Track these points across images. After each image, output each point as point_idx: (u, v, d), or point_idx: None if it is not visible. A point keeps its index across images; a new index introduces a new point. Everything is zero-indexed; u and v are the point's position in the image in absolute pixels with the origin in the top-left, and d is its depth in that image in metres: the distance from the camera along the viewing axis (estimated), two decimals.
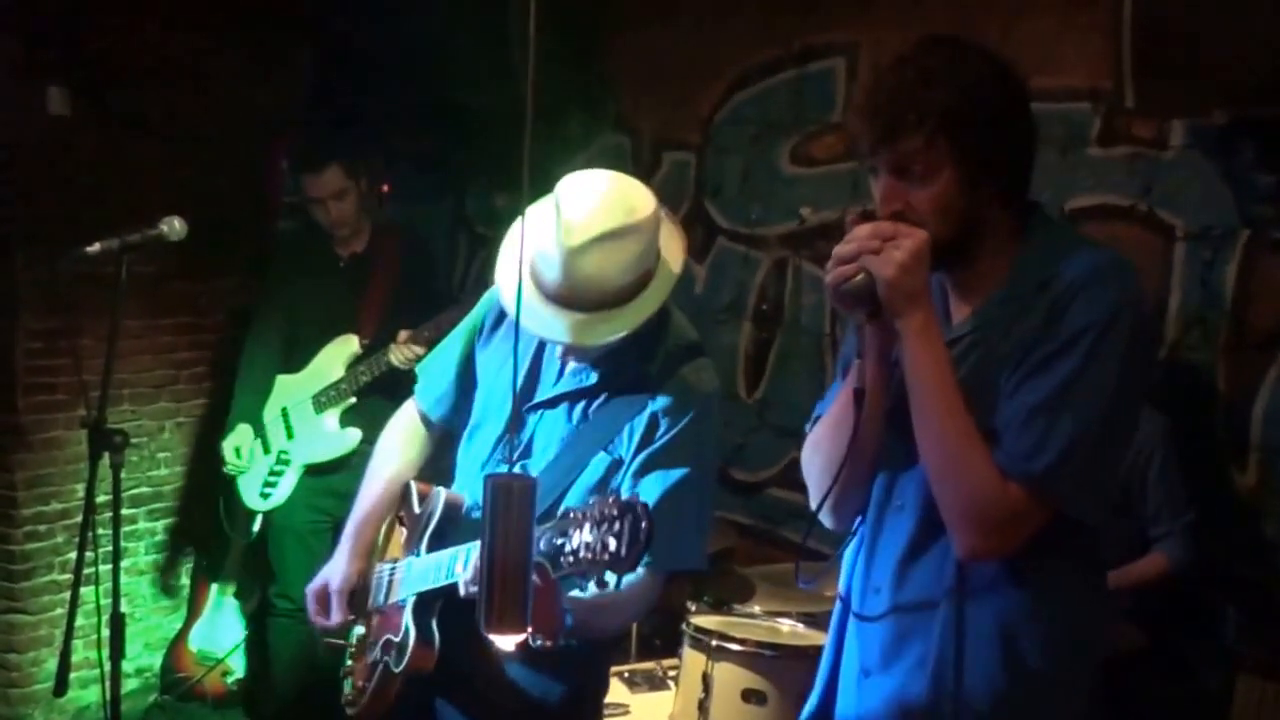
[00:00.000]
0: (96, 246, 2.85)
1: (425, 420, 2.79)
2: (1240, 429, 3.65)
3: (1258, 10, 3.51)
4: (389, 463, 2.78)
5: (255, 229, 5.04)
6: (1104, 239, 3.87)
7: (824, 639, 3.24)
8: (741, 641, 3.32)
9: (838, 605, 2.16)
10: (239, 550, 4.71)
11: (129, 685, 4.62)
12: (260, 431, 4.40)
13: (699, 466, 2.41)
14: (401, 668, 2.46)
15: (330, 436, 4.32)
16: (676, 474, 2.38)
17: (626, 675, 3.90)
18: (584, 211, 2.32)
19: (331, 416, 4.33)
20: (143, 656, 4.94)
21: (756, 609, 3.55)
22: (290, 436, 4.38)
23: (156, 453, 4.94)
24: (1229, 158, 3.63)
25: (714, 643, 3.34)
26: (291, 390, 4.41)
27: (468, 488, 2.58)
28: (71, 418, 4.52)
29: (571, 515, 2.00)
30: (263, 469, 4.41)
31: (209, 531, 4.82)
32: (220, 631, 4.77)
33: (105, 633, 2.94)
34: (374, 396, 4.15)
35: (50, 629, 4.59)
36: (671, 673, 3.78)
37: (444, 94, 5.19)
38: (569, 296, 2.30)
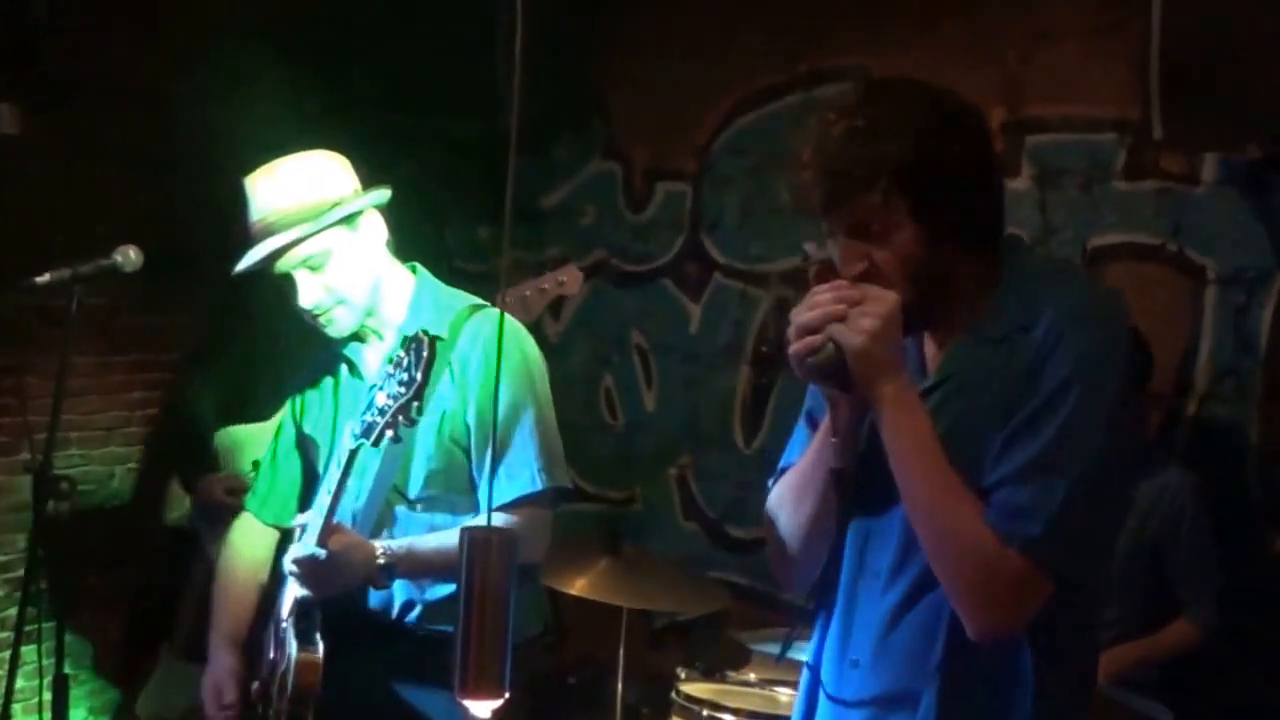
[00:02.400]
0: (46, 277, 2.86)
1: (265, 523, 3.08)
2: (1275, 486, 3.66)
3: None
4: (237, 569, 3.06)
5: (216, 261, 5.04)
6: (1130, 281, 3.93)
7: None
8: (735, 712, 3.31)
9: (805, 674, 2.15)
10: (191, 609, 4.67)
11: None
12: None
13: (521, 389, 2.72)
14: (290, 690, 2.58)
15: None
16: (501, 405, 2.67)
17: None
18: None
19: None
20: None
21: (751, 676, 3.54)
22: None
23: (106, 501, 4.92)
24: (1264, 194, 3.66)
25: (705, 713, 3.33)
26: (264, 440, 4.37)
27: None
28: (14, 462, 4.50)
29: (371, 384, 2.43)
30: None
31: (161, 588, 4.78)
32: (171, 696, 4.73)
33: (47, 696, 2.93)
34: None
35: None
36: None
37: (424, 120, 5.22)
38: (255, 233, 2.74)
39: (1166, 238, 3.84)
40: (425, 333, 2.40)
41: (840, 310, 1.82)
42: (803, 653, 2.19)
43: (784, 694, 3.46)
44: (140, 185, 4.73)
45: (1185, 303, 3.81)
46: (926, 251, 1.84)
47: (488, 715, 2.29)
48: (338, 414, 2.86)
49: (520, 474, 2.69)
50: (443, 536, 2.66)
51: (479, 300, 2.90)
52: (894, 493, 1.89)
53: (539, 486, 2.70)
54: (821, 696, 2.09)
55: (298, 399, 3.00)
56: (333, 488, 2.54)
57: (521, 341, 2.82)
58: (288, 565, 2.60)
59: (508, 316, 2.90)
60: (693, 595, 4.08)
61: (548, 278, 3.85)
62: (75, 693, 4.46)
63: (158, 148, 4.79)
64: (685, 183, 4.97)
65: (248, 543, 3.05)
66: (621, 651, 3.76)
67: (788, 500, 2.07)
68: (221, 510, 4.30)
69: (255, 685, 2.86)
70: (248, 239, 2.75)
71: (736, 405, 4.81)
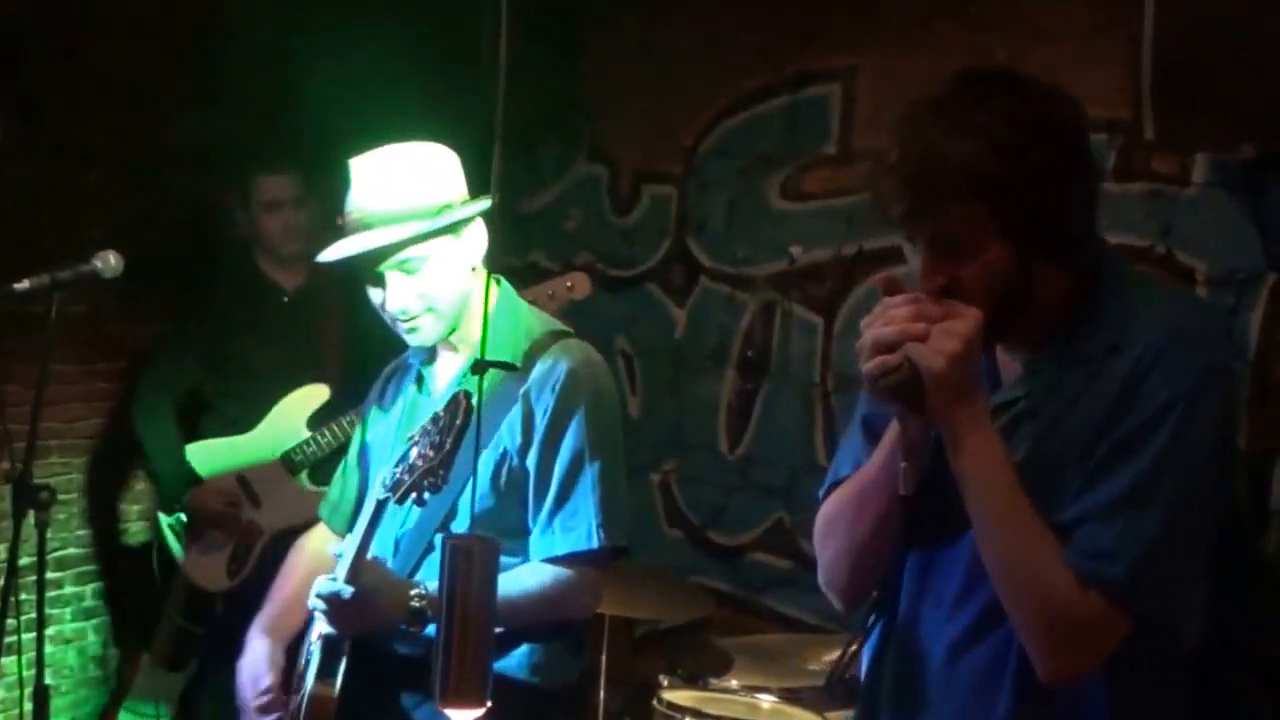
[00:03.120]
0: (25, 283, 2.85)
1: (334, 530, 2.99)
2: (1263, 492, 3.66)
3: None
4: (302, 561, 2.97)
5: (198, 267, 5.03)
6: None
7: (807, 717, 3.24)
8: (717, 719, 3.31)
9: (861, 709, 2.07)
10: (172, 618, 4.65)
11: None
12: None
13: (592, 436, 2.59)
14: (301, 714, 2.55)
15: (307, 497, 4.21)
16: (567, 452, 2.56)
17: None
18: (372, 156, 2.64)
19: (303, 475, 4.27)
20: None
21: (734, 683, 3.53)
22: (257, 504, 4.30)
23: (87, 510, 4.90)
24: (1255, 196, 3.66)
25: (687, 719, 3.33)
26: (247, 452, 4.35)
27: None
28: None
29: (410, 439, 2.34)
30: (224, 546, 4.33)
31: (141, 597, 4.77)
32: (153, 706, 4.71)
33: (28, 707, 2.91)
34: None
35: None
36: None
37: (405, 121, 5.19)
38: (352, 223, 2.60)
39: (1156, 239, 3.85)
40: (466, 395, 2.24)
41: (919, 329, 1.72)
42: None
43: (765, 701, 3.46)
44: (121, 191, 4.71)
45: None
46: (1014, 267, 1.75)
47: None
48: (399, 430, 2.76)
49: (578, 527, 2.57)
50: None
51: (561, 326, 2.79)
52: (962, 518, 1.80)
53: (594, 545, 2.56)
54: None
55: (370, 408, 2.95)
56: (363, 527, 2.47)
57: (598, 379, 2.69)
58: (312, 600, 2.54)
59: (594, 352, 2.75)
60: (675, 602, 4.08)
61: (556, 282, 3.82)
62: (56, 703, 4.44)
63: (139, 153, 4.78)
64: (671, 186, 4.96)
65: (315, 545, 2.98)
66: (604, 659, 3.76)
67: (844, 519, 1.98)
68: (219, 520, 4.28)
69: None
70: (342, 227, 2.63)
71: (721, 410, 4.81)
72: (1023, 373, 1.86)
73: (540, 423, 2.57)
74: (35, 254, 3.20)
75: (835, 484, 2.03)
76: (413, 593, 2.47)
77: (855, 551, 1.95)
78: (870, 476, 1.92)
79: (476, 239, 2.66)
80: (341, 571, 2.47)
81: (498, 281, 2.76)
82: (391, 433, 2.79)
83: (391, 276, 2.58)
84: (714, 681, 3.55)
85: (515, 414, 2.58)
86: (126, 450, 4.87)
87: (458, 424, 2.21)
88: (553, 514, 2.57)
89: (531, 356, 2.63)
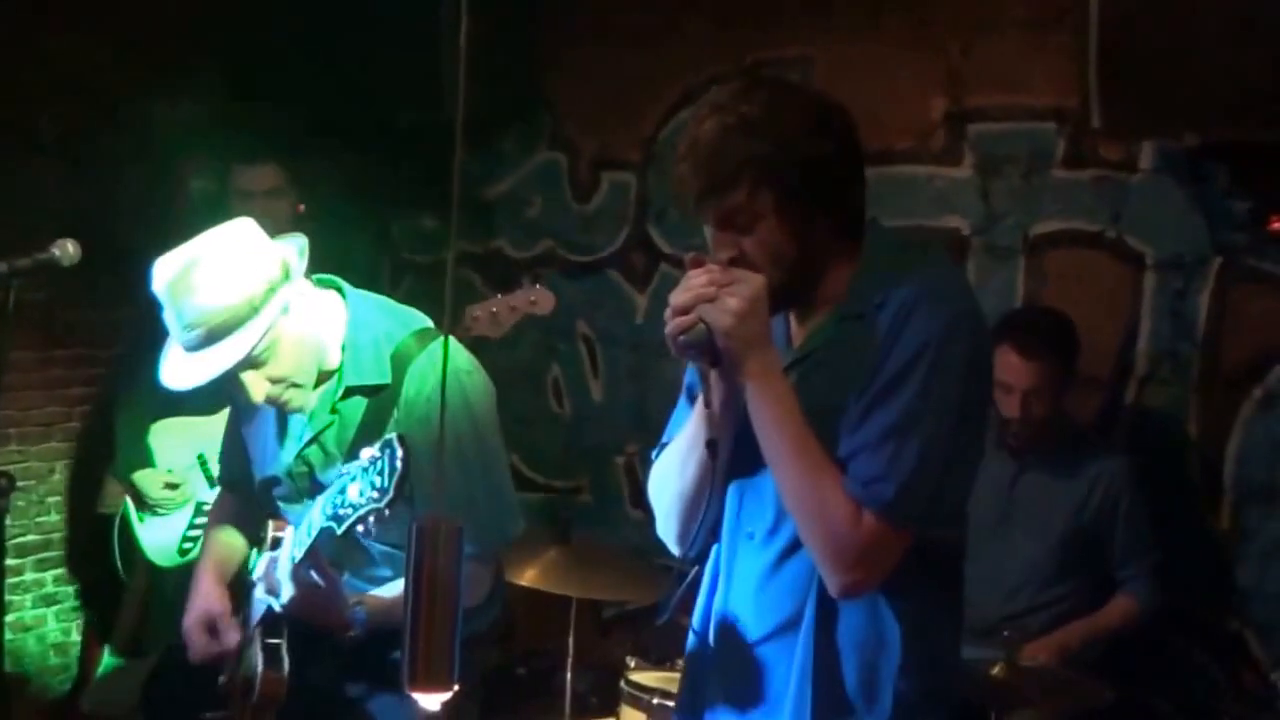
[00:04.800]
0: None
1: (230, 488, 3.12)
2: (1213, 469, 3.72)
3: (1230, 28, 3.59)
4: (220, 523, 3.07)
5: (158, 254, 5.00)
6: (1070, 267, 3.98)
7: None
8: None
9: (691, 639, 2.29)
10: (134, 606, 4.64)
11: None
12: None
13: (466, 434, 2.60)
14: (254, 699, 2.59)
15: None
16: (452, 460, 2.56)
17: None
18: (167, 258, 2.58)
19: None
20: None
21: None
22: (213, 485, 4.29)
23: (46, 497, 4.88)
24: (1200, 182, 3.71)
25: (655, 701, 3.34)
26: (208, 432, 4.32)
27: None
28: None
29: (344, 472, 2.30)
30: (178, 523, 4.32)
31: (102, 584, 4.75)
32: (114, 696, 4.69)
33: None
34: None
35: None
36: None
37: (368, 111, 5.19)
38: (185, 340, 2.55)
39: (1106, 225, 3.90)
40: (401, 439, 2.22)
41: (710, 292, 1.96)
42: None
43: None
44: (78, 180, 4.68)
45: (1125, 289, 3.86)
46: (791, 240, 1.99)
47: (437, 708, 2.31)
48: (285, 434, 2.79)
49: (482, 524, 2.62)
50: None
51: (421, 321, 2.75)
52: (763, 459, 2.01)
53: (484, 547, 2.62)
54: (708, 652, 2.22)
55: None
56: (307, 539, 2.47)
57: (465, 385, 2.67)
58: (260, 591, 2.58)
59: (456, 346, 2.75)
60: (642, 584, 4.09)
61: (520, 295, 3.76)
62: (17, 692, 4.43)
63: (96, 142, 4.75)
64: (630, 173, 4.97)
65: (226, 509, 3.10)
66: (571, 641, 3.77)
67: (671, 470, 2.19)
68: (160, 504, 4.27)
69: (221, 678, 2.86)
70: (174, 345, 2.62)
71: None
72: (805, 335, 2.11)
73: (419, 437, 2.47)
74: None
75: (664, 445, 2.28)
76: (351, 620, 2.54)
77: (682, 498, 2.17)
78: (690, 431, 2.14)
79: (301, 292, 2.60)
80: (285, 570, 2.52)
81: (340, 291, 2.74)
82: (273, 431, 2.83)
83: (245, 375, 2.56)
84: (679, 662, 3.56)
85: (393, 425, 2.58)
86: (85, 437, 4.88)
87: (399, 471, 2.19)
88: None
89: (399, 366, 2.63)
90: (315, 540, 2.47)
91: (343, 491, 2.38)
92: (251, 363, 2.53)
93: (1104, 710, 3.46)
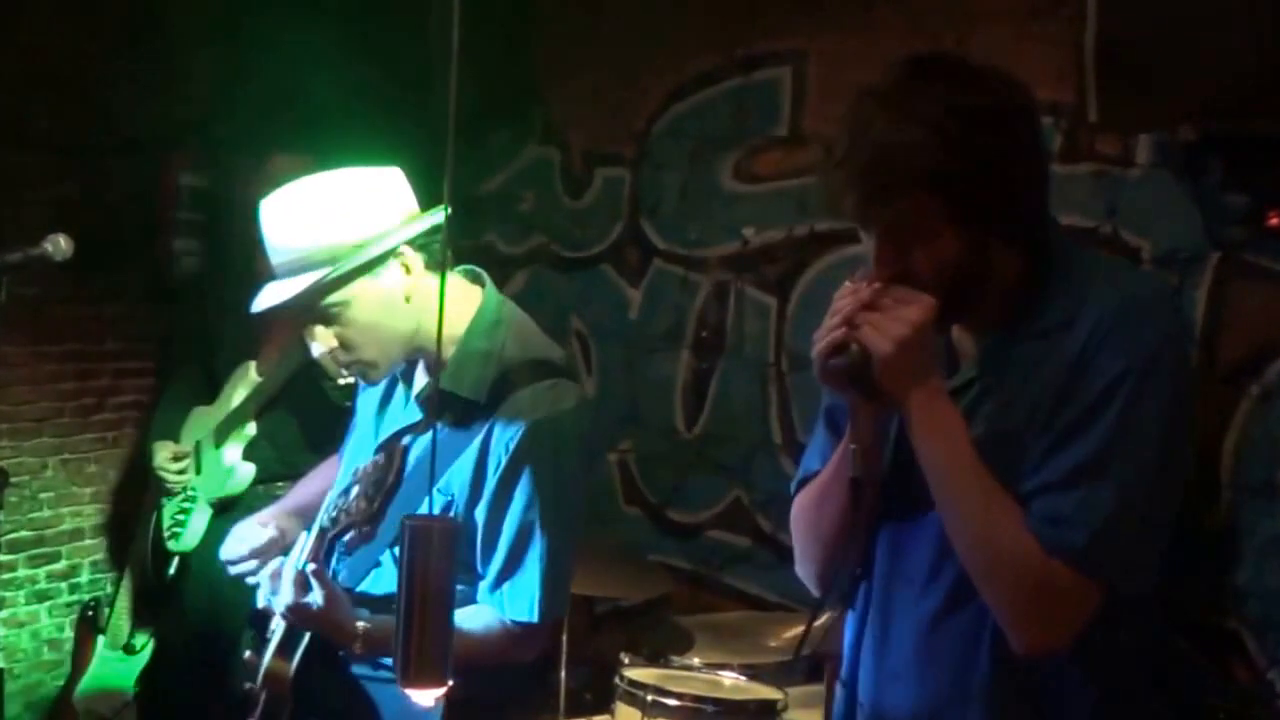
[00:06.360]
0: None
1: None
2: (1209, 466, 3.71)
3: (1228, 20, 3.59)
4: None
5: (148, 249, 5.00)
6: None
7: (769, 693, 3.27)
8: (679, 696, 3.31)
9: (840, 693, 2.08)
10: (127, 600, 4.64)
11: None
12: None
13: (544, 504, 2.39)
14: (258, 682, 2.54)
15: (228, 471, 4.23)
16: (514, 519, 2.40)
17: None
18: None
19: (233, 449, 4.25)
20: (23, 717, 4.85)
21: (696, 661, 3.55)
22: (198, 472, 4.31)
23: (38, 493, 4.87)
24: (1198, 176, 3.70)
25: (650, 698, 3.33)
26: (204, 422, 4.34)
27: None
28: None
29: (355, 476, 2.25)
30: (170, 509, 4.34)
31: (94, 578, 4.75)
32: (108, 689, 4.69)
33: None
34: (282, 427, 4.12)
35: None
36: None
37: (355, 104, 5.18)
38: (269, 271, 2.44)
39: (1102, 220, 3.88)
40: (403, 450, 2.16)
41: (870, 316, 1.76)
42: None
43: (727, 678, 3.48)
44: (69, 174, 4.67)
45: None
46: (966, 253, 1.76)
47: (431, 704, 2.31)
48: (377, 417, 2.66)
49: (521, 599, 2.43)
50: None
51: (545, 354, 2.52)
52: (926, 497, 1.82)
53: (534, 619, 2.43)
54: (859, 713, 2.02)
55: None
56: (315, 545, 2.42)
57: (560, 437, 2.41)
58: (273, 600, 2.49)
59: (569, 394, 2.46)
60: (635, 580, 4.10)
61: None
62: (10, 687, 4.44)
63: (86, 136, 4.74)
64: (624, 167, 4.97)
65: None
66: (564, 637, 3.77)
67: (809, 509, 2.01)
68: (165, 478, 4.27)
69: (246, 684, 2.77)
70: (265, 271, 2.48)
71: (677, 390, 4.82)
72: (977, 354, 1.88)
73: (490, 480, 2.40)
74: None
75: (805, 479, 2.07)
76: (360, 627, 2.40)
77: (821, 542, 1.98)
78: (832, 468, 1.94)
79: (412, 265, 2.44)
80: (290, 571, 2.43)
81: (480, 283, 2.57)
82: (371, 415, 2.71)
83: (315, 327, 2.44)
84: (675, 659, 3.56)
85: (468, 462, 2.40)
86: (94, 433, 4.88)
87: (388, 483, 2.14)
88: (499, 578, 2.43)
89: (499, 392, 2.40)
90: (314, 544, 2.43)
91: (346, 491, 2.36)
92: (323, 315, 2.40)
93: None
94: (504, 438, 2.38)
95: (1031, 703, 1.84)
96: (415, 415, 2.54)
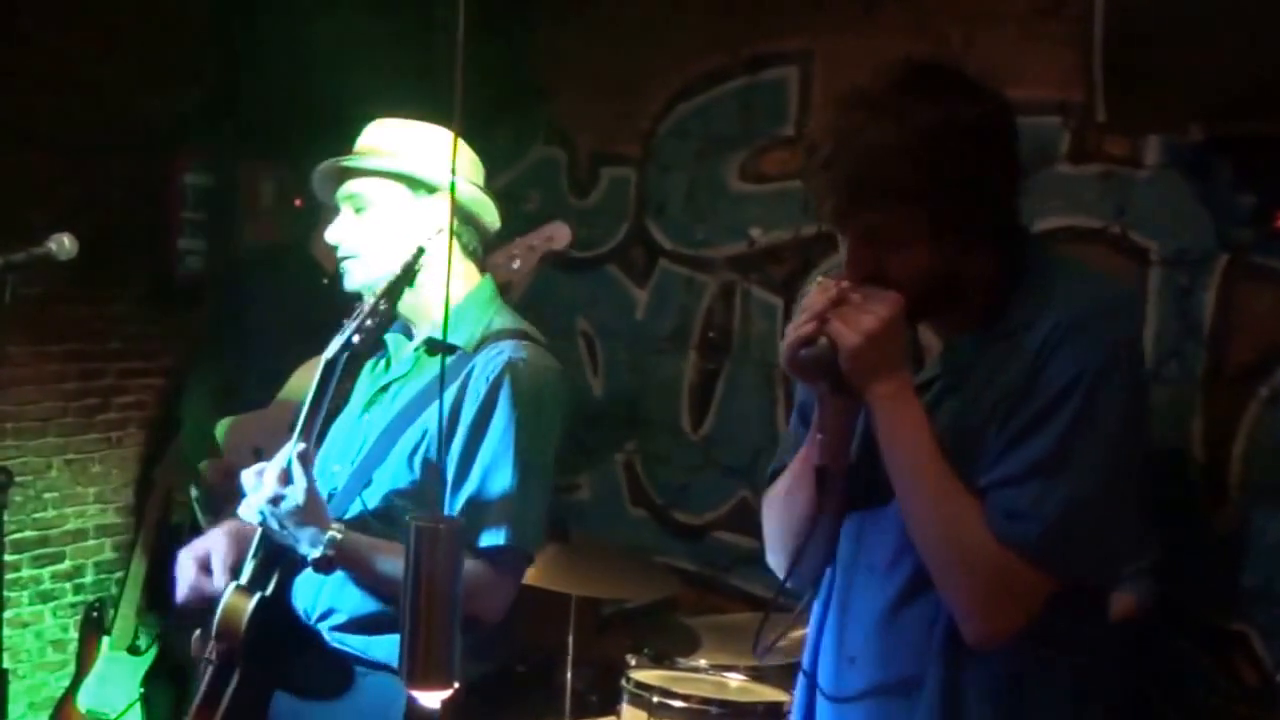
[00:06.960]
0: None
1: None
2: (1218, 468, 3.70)
3: (1237, 21, 3.58)
4: None
5: (153, 248, 5.00)
6: None
7: (773, 695, 3.26)
8: (685, 698, 3.32)
9: (801, 681, 2.11)
10: (131, 601, 4.64)
11: None
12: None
13: (520, 430, 2.47)
14: (216, 627, 2.49)
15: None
16: (490, 448, 2.47)
17: None
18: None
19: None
20: (27, 718, 4.85)
21: (702, 662, 3.55)
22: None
23: (43, 493, 4.86)
24: (1206, 177, 3.69)
25: (655, 699, 3.34)
26: (261, 426, 4.27)
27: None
28: None
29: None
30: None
31: (98, 579, 4.75)
32: (112, 690, 4.69)
33: None
34: None
35: None
36: None
37: (360, 104, 5.17)
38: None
39: (1110, 220, 3.88)
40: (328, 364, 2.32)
41: (839, 310, 1.81)
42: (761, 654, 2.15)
43: (732, 679, 3.48)
44: (73, 172, 4.67)
45: (1129, 286, 3.84)
46: (940, 261, 1.81)
47: (437, 706, 2.30)
48: (362, 401, 2.72)
49: (489, 524, 2.46)
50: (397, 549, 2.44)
51: (528, 328, 2.66)
52: (890, 488, 1.86)
53: (501, 542, 2.46)
54: (819, 697, 2.05)
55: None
56: (308, 417, 2.42)
57: (541, 383, 2.54)
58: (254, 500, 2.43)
59: (550, 359, 2.61)
60: (641, 582, 4.09)
61: (536, 234, 3.71)
62: (15, 688, 4.43)
63: (90, 134, 4.73)
64: (630, 167, 4.96)
65: None
66: (570, 639, 3.76)
67: (779, 501, 2.05)
68: (228, 494, 4.25)
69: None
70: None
71: (684, 391, 4.82)
72: (943, 352, 1.93)
73: (467, 409, 2.48)
74: None
75: (777, 471, 2.11)
76: (335, 527, 2.39)
77: (789, 528, 2.01)
78: (801, 457, 1.99)
79: (439, 219, 2.54)
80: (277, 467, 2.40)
81: (481, 270, 2.70)
82: (357, 403, 2.76)
83: (344, 209, 2.61)
84: (681, 661, 3.56)
85: (447, 399, 2.47)
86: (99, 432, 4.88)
87: (313, 392, 2.28)
88: (467, 506, 2.47)
89: (482, 347, 2.54)
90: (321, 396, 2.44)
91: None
92: (352, 200, 2.59)
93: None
94: (485, 372, 2.49)
95: (984, 693, 1.86)
96: (400, 372, 2.65)
